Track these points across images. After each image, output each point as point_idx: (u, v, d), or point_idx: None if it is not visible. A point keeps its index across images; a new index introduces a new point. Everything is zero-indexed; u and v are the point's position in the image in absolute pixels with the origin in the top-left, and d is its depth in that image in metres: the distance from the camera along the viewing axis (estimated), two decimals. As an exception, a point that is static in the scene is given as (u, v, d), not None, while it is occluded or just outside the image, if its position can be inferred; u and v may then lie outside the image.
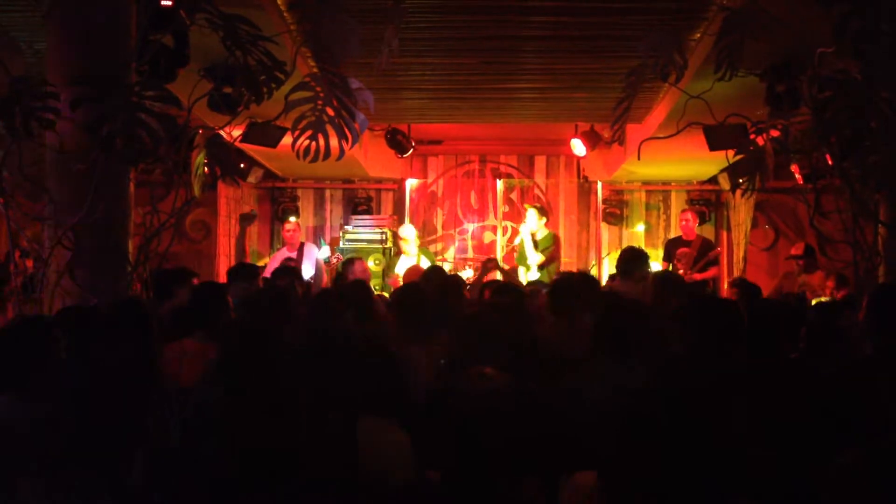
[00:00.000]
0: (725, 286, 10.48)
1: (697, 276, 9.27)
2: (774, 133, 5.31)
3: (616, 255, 11.74)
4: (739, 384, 3.04)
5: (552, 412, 3.14)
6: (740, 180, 5.53)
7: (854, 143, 4.46)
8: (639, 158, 6.53)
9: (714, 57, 5.45)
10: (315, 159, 5.22)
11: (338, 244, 11.32)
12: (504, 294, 4.80)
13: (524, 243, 9.19)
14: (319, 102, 5.15)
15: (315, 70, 6.60)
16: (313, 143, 5.22)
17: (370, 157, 10.82)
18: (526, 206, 10.10)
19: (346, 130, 5.17)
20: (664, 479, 2.49)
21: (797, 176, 8.54)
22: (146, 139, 4.13)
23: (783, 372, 3.35)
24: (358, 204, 12.06)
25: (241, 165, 9.98)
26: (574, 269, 10.35)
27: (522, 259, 9.22)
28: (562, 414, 3.20)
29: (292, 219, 10.33)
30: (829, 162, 6.53)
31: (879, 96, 4.31)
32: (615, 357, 3.70)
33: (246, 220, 9.09)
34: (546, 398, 3.25)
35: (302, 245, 9.75)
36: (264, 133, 7.51)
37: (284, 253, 9.80)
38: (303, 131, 5.21)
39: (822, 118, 4.58)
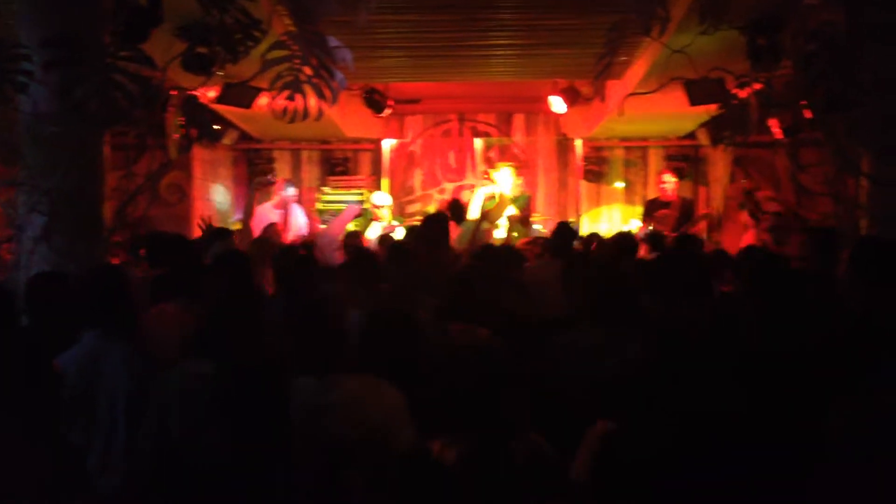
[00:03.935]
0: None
1: None
2: (756, 86, 5.26)
3: (597, 212, 11.81)
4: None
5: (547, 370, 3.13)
6: (724, 134, 5.48)
7: (841, 96, 4.42)
8: (621, 114, 6.47)
9: (696, 10, 5.40)
10: (293, 120, 5.15)
11: (314, 206, 11.24)
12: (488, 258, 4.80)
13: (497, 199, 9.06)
14: (297, 62, 5.06)
15: (291, 29, 6.49)
16: (291, 103, 5.14)
17: (347, 117, 10.68)
18: (499, 164, 9.91)
19: (325, 89, 5.09)
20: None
21: (775, 130, 8.55)
22: (121, 101, 4.03)
23: (777, 328, 3.34)
24: (335, 165, 11.97)
25: (217, 127, 9.80)
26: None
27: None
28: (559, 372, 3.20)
29: (283, 181, 10.02)
30: (808, 116, 6.53)
31: (866, 49, 4.27)
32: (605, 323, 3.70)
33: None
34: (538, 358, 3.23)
35: (287, 203, 9.56)
36: (239, 94, 7.39)
37: (269, 209, 9.56)
38: (280, 91, 5.13)
39: (807, 72, 4.54)
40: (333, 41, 4.97)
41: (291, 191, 9.76)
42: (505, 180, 9.15)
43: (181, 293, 4.51)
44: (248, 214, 8.04)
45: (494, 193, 8.82)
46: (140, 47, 4.41)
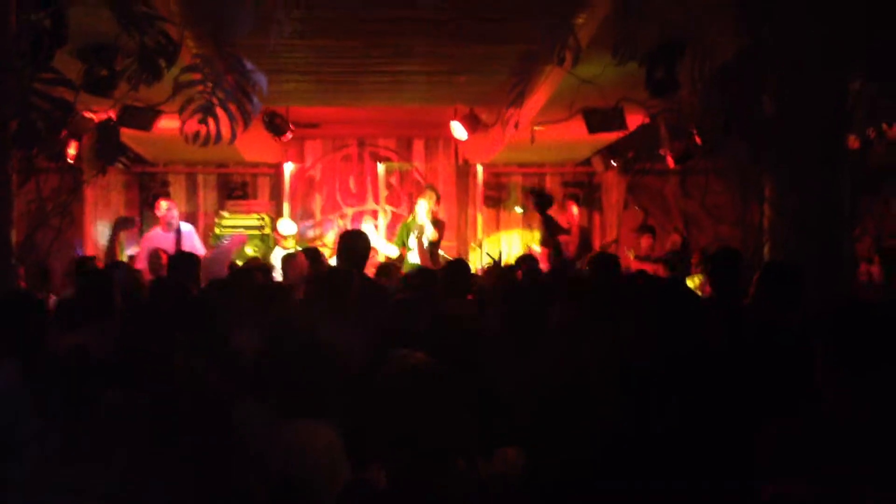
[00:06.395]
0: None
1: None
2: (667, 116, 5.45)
3: (496, 238, 11.98)
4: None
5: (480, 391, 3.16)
6: (630, 158, 5.66)
7: (742, 121, 4.62)
8: (533, 142, 6.60)
9: (599, 41, 5.56)
10: (206, 143, 5.08)
11: (212, 231, 11.02)
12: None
13: (421, 223, 9.18)
14: (209, 85, 5.00)
15: (196, 52, 6.39)
16: (202, 127, 5.07)
17: (246, 141, 10.46)
18: (428, 191, 9.89)
19: (239, 113, 5.04)
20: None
21: (668, 159, 8.89)
22: (39, 123, 3.89)
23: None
24: (233, 189, 11.80)
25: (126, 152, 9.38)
26: (455, 253, 10.48)
27: (402, 238, 9.24)
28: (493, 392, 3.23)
29: (164, 203, 9.70)
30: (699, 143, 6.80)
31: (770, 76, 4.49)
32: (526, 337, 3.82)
33: (122, 224, 8.43)
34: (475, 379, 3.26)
35: (179, 228, 9.22)
36: (139, 116, 7.22)
37: (159, 234, 9.20)
38: (192, 115, 5.06)
39: (712, 99, 4.73)
40: (249, 64, 4.93)
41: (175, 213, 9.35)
42: (422, 208, 9.25)
43: (88, 321, 4.39)
44: (108, 254, 7.83)
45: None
46: (58, 69, 4.26)
